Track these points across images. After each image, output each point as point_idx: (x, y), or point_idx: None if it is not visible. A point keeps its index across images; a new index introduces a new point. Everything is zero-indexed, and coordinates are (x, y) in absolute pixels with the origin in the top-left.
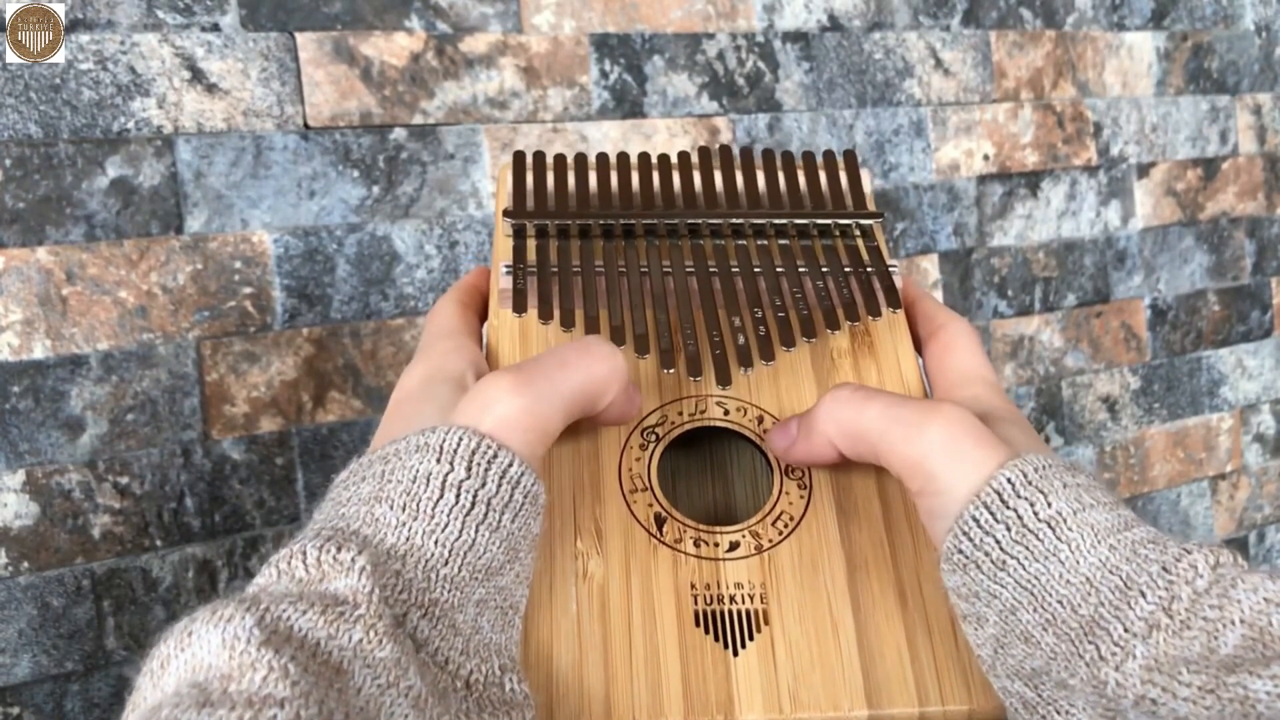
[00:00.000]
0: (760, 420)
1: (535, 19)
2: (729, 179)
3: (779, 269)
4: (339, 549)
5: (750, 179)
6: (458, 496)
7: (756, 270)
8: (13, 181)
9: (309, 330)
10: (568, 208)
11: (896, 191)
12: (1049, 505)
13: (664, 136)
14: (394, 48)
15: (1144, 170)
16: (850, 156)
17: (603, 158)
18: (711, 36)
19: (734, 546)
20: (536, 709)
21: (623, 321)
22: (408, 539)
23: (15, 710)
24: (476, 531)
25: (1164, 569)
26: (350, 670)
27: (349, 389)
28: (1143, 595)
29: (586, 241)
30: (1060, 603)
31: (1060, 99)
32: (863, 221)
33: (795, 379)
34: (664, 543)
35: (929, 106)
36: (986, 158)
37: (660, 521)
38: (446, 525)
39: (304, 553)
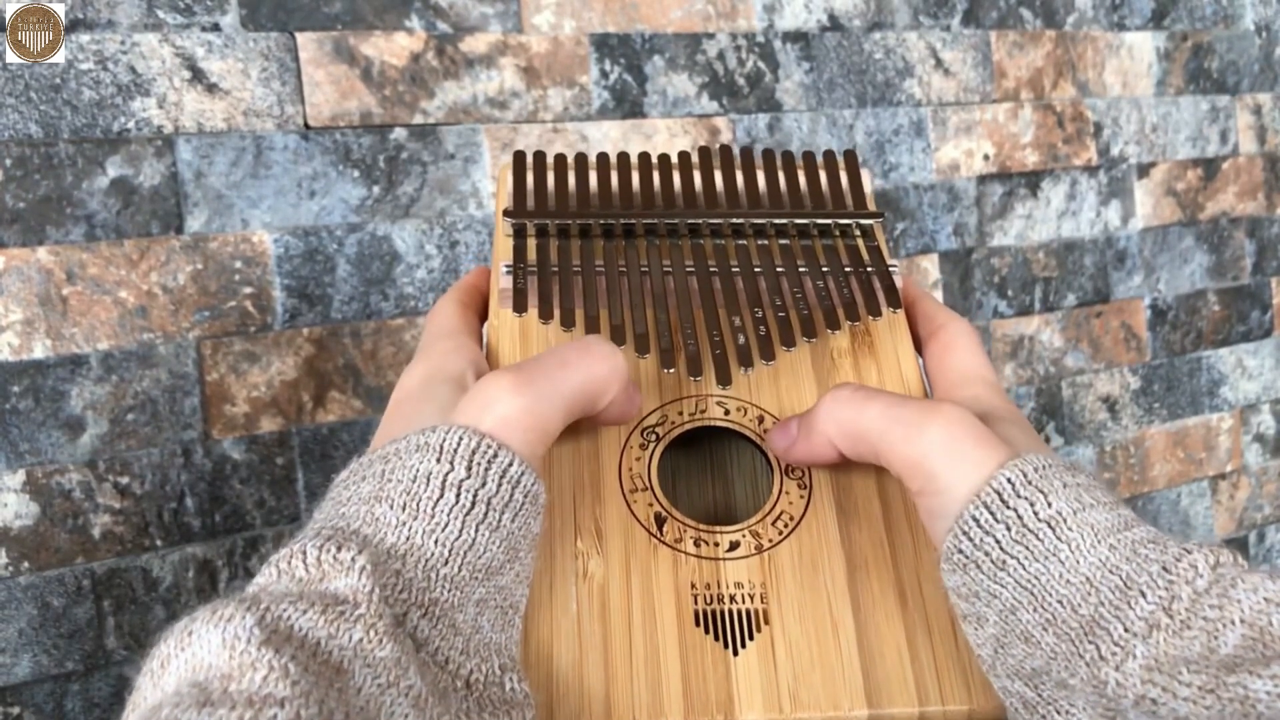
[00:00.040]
0: (760, 420)
1: (535, 19)
2: (729, 179)
3: (779, 269)
4: (339, 548)
5: (750, 179)
6: (458, 496)
7: (756, 270)
8: (13, 181)
9: (309, 330)
10: (568, 207)
11: (896, 191)
12: (1049, 505)
13: (664, 136)
14: (394, 48)
15: (1144, 170)
16: (850, 156)
17: (603, 158)
18: (711, 36)
19: (734, 546)
20: (536, 708)
21: (623, 321)
22: (408, 538)
23: (15, 710)
24: (476, 531)
25: (1164, 569)
26: (350, 670)
27: (349, 389)
28: (1143, 595)
29: (586, 241)
30: (1060, 602)
31: (1060, 99)
32: (863, 221)
33: (795, 379)
34: (664, 542)
35: (929, 106)
36: (986, 158)
37: (660, 521)
38: (446, 525)
39: (304, 552)
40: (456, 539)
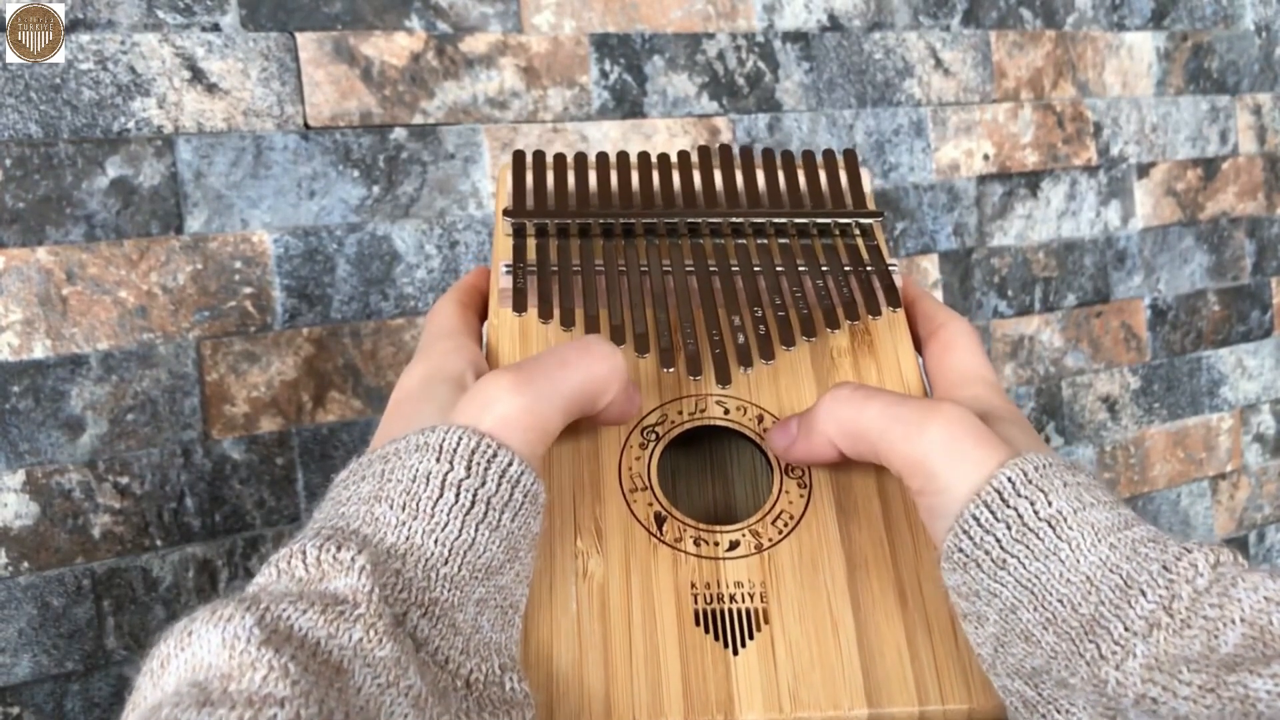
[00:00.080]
0: (760, 419)
1: (535, 19)
2: (729, 178)
3: (779, 268)
4: (339, 548)
5: (750, 178)
6: (457, 495)
7: (756, 269)
8: (13, 181)
9: (309, 330)
10: (568, 207)
11: (896, 191)
12: (1049, 504)
13: (664, 136)
14: (394, 48)
15: (1144, 170)
16: (850, 156)
17: (603, 157)
18: (711, 36)
19: (734, 545)
20: (536, 708)
21: (623, 321)
22: (407, 538)
23: (15, 710)
24: (476, 530)
25: (1164, 568)
26: (350, 669)
27: (349, 389)
28: (1143, 594)
29: (586, 241)
30: (1060, 601)
31: (1060, 99)
32: (863, 220)
33: (795, 378)
34: (664, 542)
35: (929, 106)
36: (986, 158)
37: (660, 520)
38: (446, 524)
39: (304, 552)
40: (456, 539)
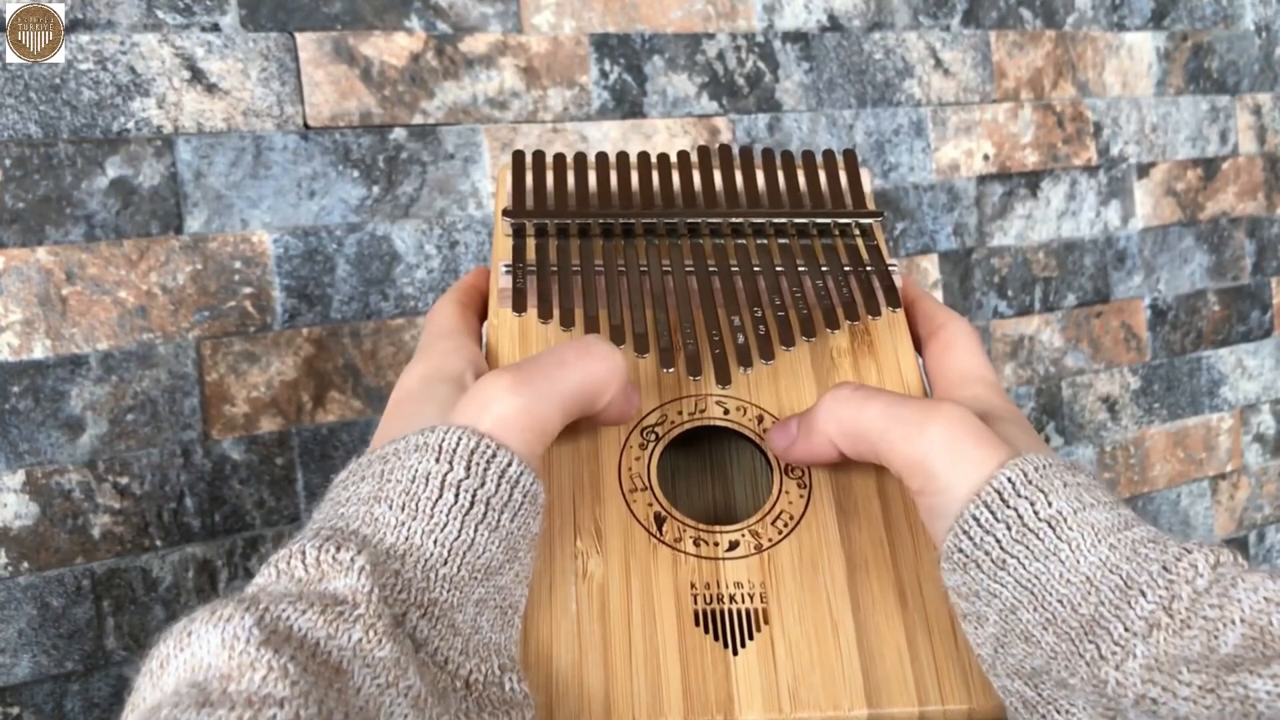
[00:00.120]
0: (760, 419)
1: (535, 19)
2: (729, 179)
3: (778, 268)
4: (338, 549)
5: (750, 178)
6: (456, 496)
7: (756, 269)
8: (13, 181)
9: (309, 330)
10: (567, 207)
11: (896, 191)
12: (1049, 504)
13: (664, 136)
14: (394, 48)
15: (1144, 170)
16: (850, 156)
17: (602, 157)
18: (711, 36)
19: (734, 546)
20: (536, 709)
21: (622, 321)
22: (407, 539)
23: (15, 710)
24: (476, 531)
25: (1164, 568)
26: (350, 670)
27: (349, 389)
28: (1143, 594)
29: (586, 241)
30: (1060, 602)
31: (1060, 99)
32: (862, 221)
33: (795, 378)
34: (664, 542)
35: (929, 106)
36: (986, 158)
37: (660, 521)
38: (445, 525)
39: (303, 552)
40: (455, 539)
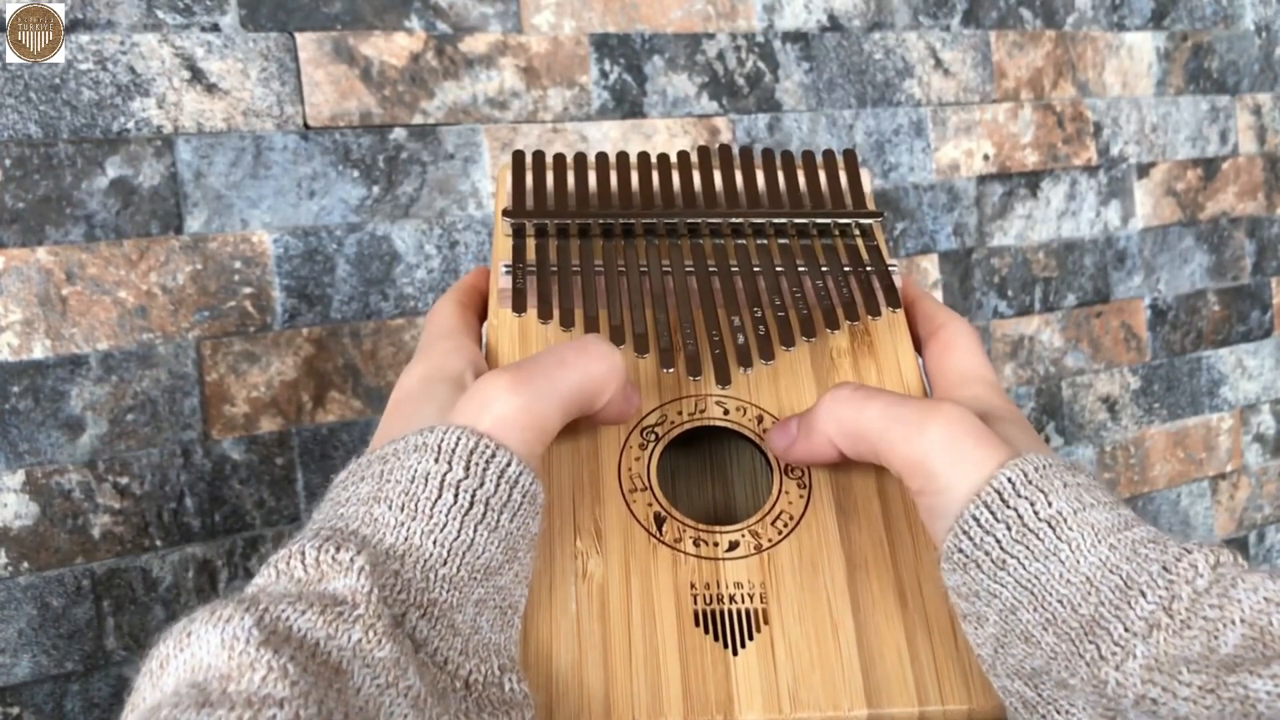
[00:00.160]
0: (760, 420)
1: (535, 19)
2: (729, 179)
3: (778, 268)
4: (338, 549)
5: (750, 179)
6: (456, 496)
7: (756, 270)
8: (13, 181)
9: (309, 330)
10: (567, 207)
11: (896, 191)
12: (1049, 504)
13: (664, 136)
14: (394, 48)
15: (1144, 170)
16: (850, 156)
17: (602, 157)
18: (711, 36)
19: (734, 546)
20: (536, 709)
21: (622, 321)
22: (406, 539)
23: (15, 710)
24: (475, 531)
25: (1164, 568)
26: (349, 670)
27: (349, 389)
28: (1143, 595)
29: (586, 241)
30: (1060, 602)
31: (1060, 99)
32: (862, 221)
33: (795, 379)
34: (663, 542)
35: (929, 106)
36: (986, 158)
37: (660, 521)
38: (445, 525)
39: (303, 553)
40: (455, 539)
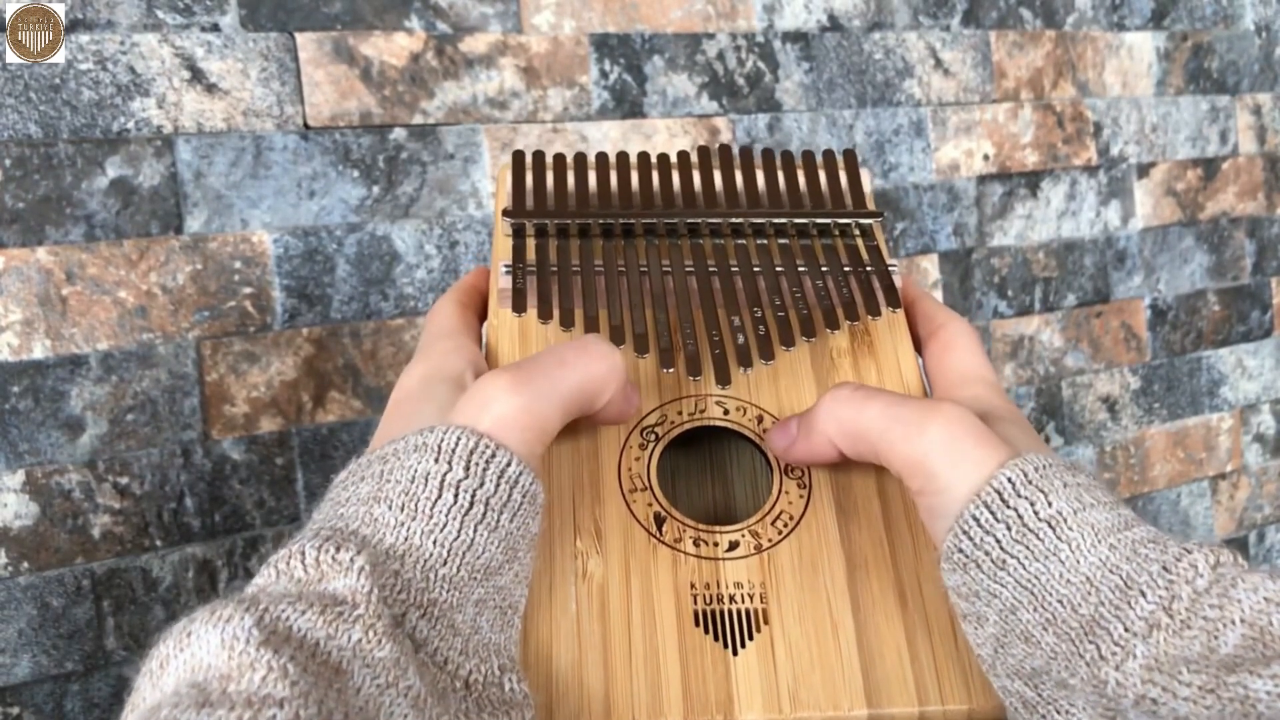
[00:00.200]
0: (760, 420)
1: (535, 19)
2: (729, 179)
3: (778, 268)
4: (338, 549)
5: (750, 179)
6: (456, 496)
7: (756, 270)
8: (13, 181)
9: (309, 330)
10: (567, 207)
11: (896, 191)
12: (1049, 505)
13: (664, 136)
14: (394, 48)
15: (1144, 170)
16: (850, 156)
17: (602, 157)
18: (711, 36)
19: (734, 546)
20: (536, 709)
21: (622, 321)
22: (406, 539)
23: (15, 710)
24: (475, 531)
25: (1164, 568)
26: (349, 670)
27: (349, 389)
28: (1143, 595)
29: (586, 241)
30: (1060, 602)
31: (1060, 99)
32: (862, 221)
33: (795, 379)
34: (663, 542)
35: (929, 106)
36: (986, 158)
37: (660, 521)
38: (445, 525)
39: (303, 553)
40: (455, 539)
